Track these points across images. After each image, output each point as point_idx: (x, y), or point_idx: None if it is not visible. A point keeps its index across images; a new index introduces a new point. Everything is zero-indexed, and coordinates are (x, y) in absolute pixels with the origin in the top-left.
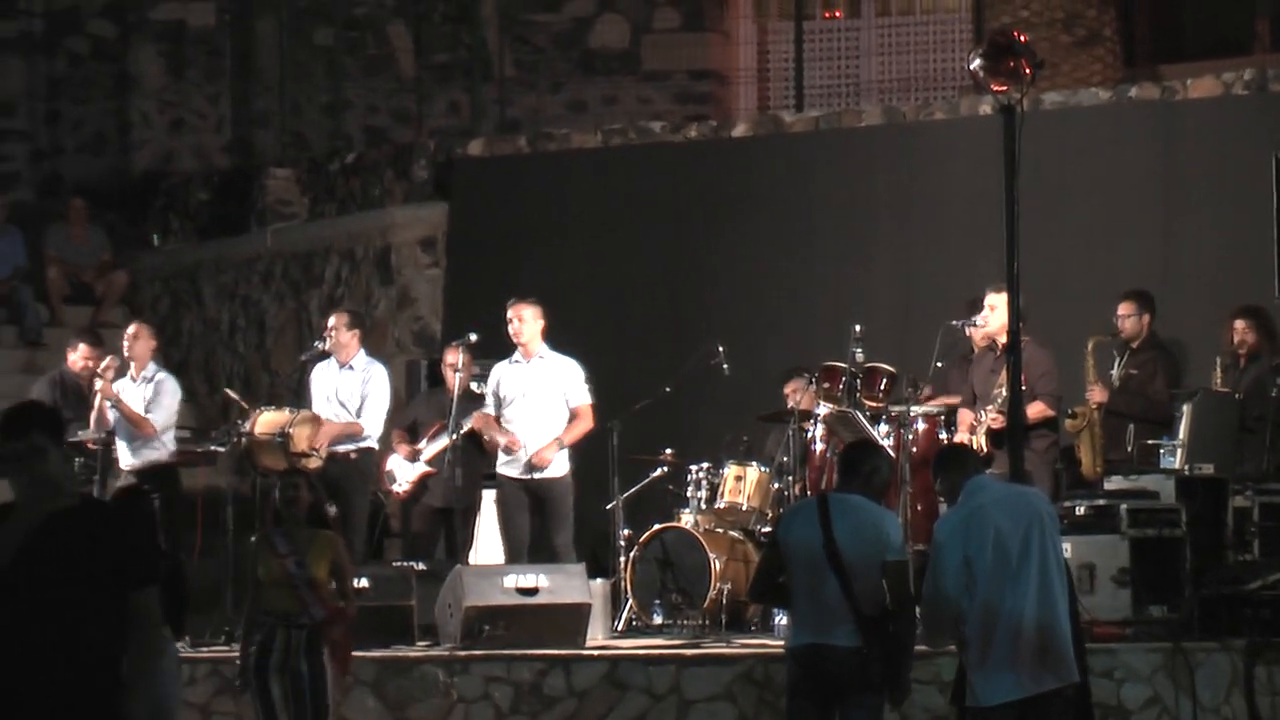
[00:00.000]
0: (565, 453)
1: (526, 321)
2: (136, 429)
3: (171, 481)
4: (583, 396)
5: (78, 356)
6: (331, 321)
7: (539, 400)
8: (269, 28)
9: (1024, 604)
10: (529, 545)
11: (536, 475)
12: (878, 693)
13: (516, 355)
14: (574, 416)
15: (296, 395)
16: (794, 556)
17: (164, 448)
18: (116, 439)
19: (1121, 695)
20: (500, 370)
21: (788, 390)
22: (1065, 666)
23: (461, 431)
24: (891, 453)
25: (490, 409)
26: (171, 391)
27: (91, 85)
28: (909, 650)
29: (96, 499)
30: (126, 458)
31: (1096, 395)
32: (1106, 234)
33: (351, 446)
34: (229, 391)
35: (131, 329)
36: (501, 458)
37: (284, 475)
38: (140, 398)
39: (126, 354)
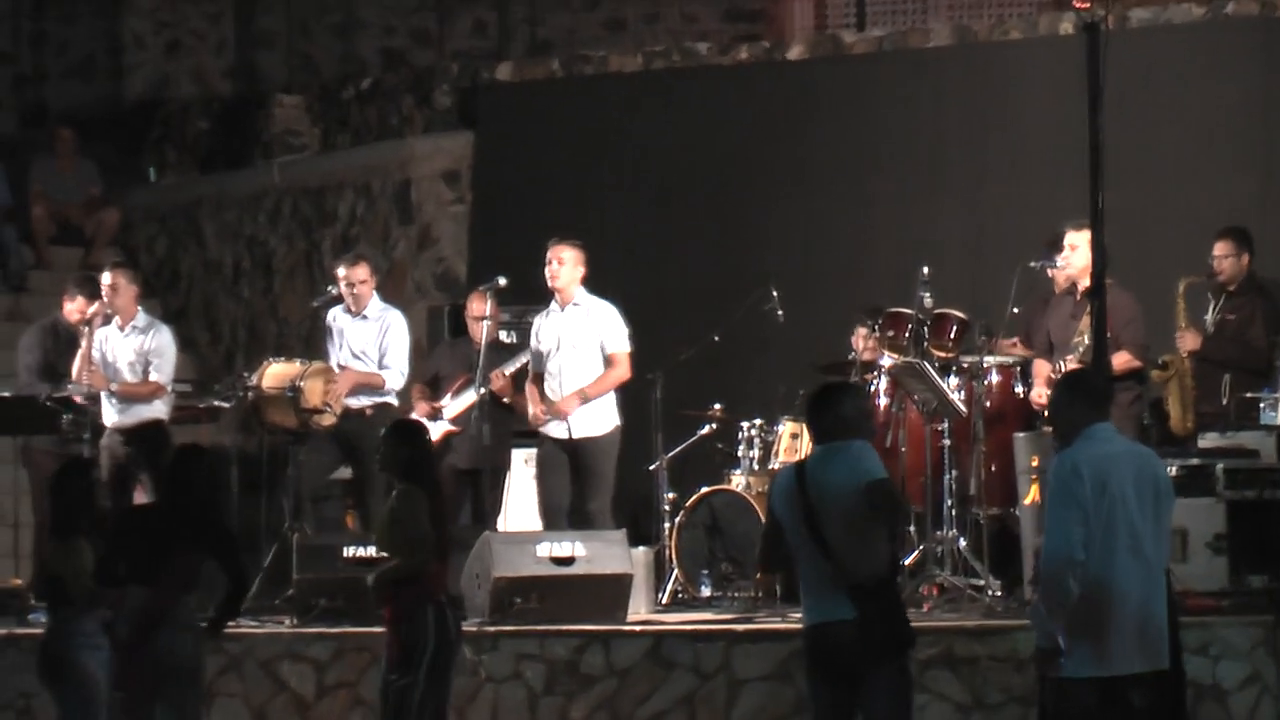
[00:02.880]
0: (611, 408)
1: (566, 264)
2: (145, 397)
3: (162, 442)
4: (619, 343)
5: (74, 308)
6: (346, 272)
7: (578, 351)
8: None
9: (1134, 577)
10: (567, 510)
11: (577, 434)
12: (892, 663)
13: (552, 304)
14: (608, 364)
15: (307, 345)
16: (788, 531)
17: (159, 404)
18: (102, 395)
19: (1217, 673)
20: (538, 322)
21: (854, 339)
22: (1156, 650)
23: (489, 386)
24: (963, 406)
25: (532, 364)
26: (171, 344)
27: (80, 2)
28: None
29: None
30: (113, 415)
31: (1188, 342)
32: (1200, 166)
33: (369, 401)
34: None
35: (107, 278)
36: (541, 422)
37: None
38: (131, 349)
39: (109, 308)
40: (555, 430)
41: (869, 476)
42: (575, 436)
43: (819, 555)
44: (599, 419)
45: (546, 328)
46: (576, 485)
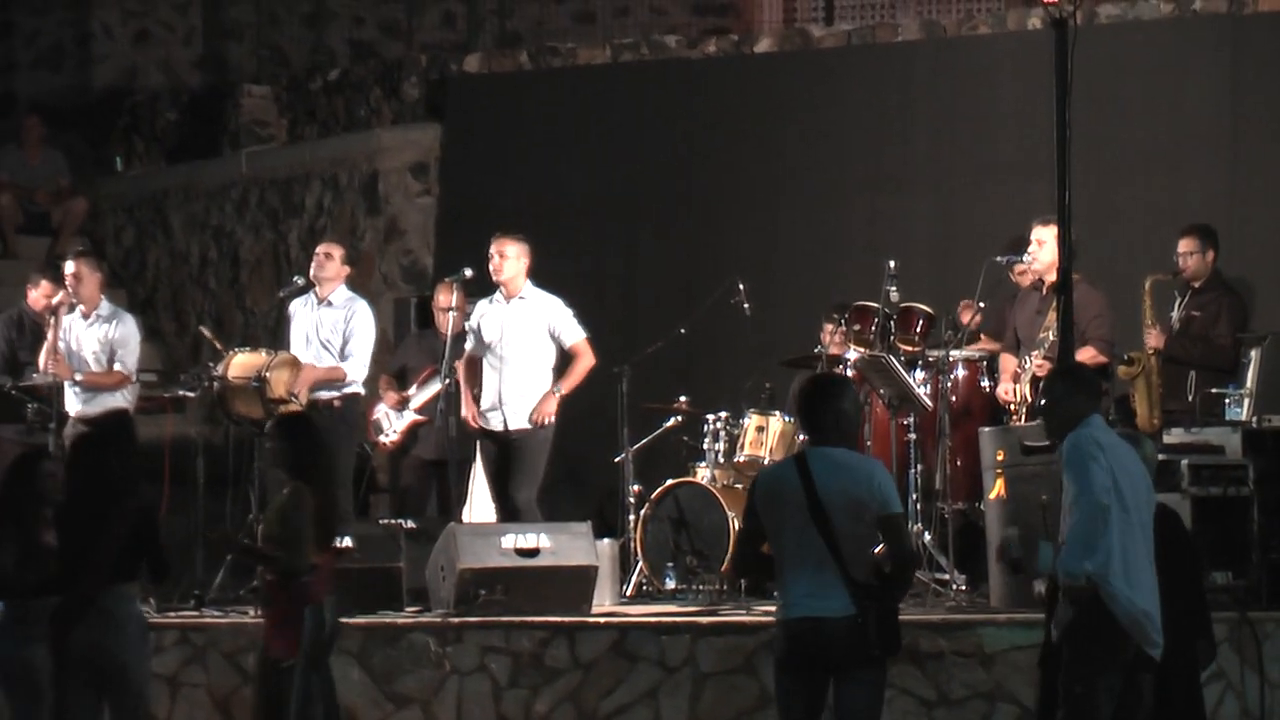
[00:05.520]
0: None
1: (509, 259)
2: (110, 387)
3: (127, 431)
4: (576, 332)
5: (39, 294)
6: (324, 248)
7: (520, 344)
8: None
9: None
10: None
11: (513, 427)
12: (877, 665)
13: (497, 294)
14: (573, 356)
15: (274, 336)
16: (777, 525)
17: (124, 394)
18: (66, 384)
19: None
20: (481, 309)
21: (822, 333)
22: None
23: (455, 377)
24: (929, 401)
25: (470, 347)
26: (136, 334)
27: None
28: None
29: None
30: (77, 405)
31: (1154, 339)
32: (1167, 162)
33: (335, 393)
34: (204, 330)
35: (70, 267)
36: (483, 408)
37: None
38: (96, 339)
39: (73, 298)
40: (492, 423)
41: (887, 508)
42: (511, 429)
43: (825, 552)
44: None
45: (491, 317)
46: (505, 475)
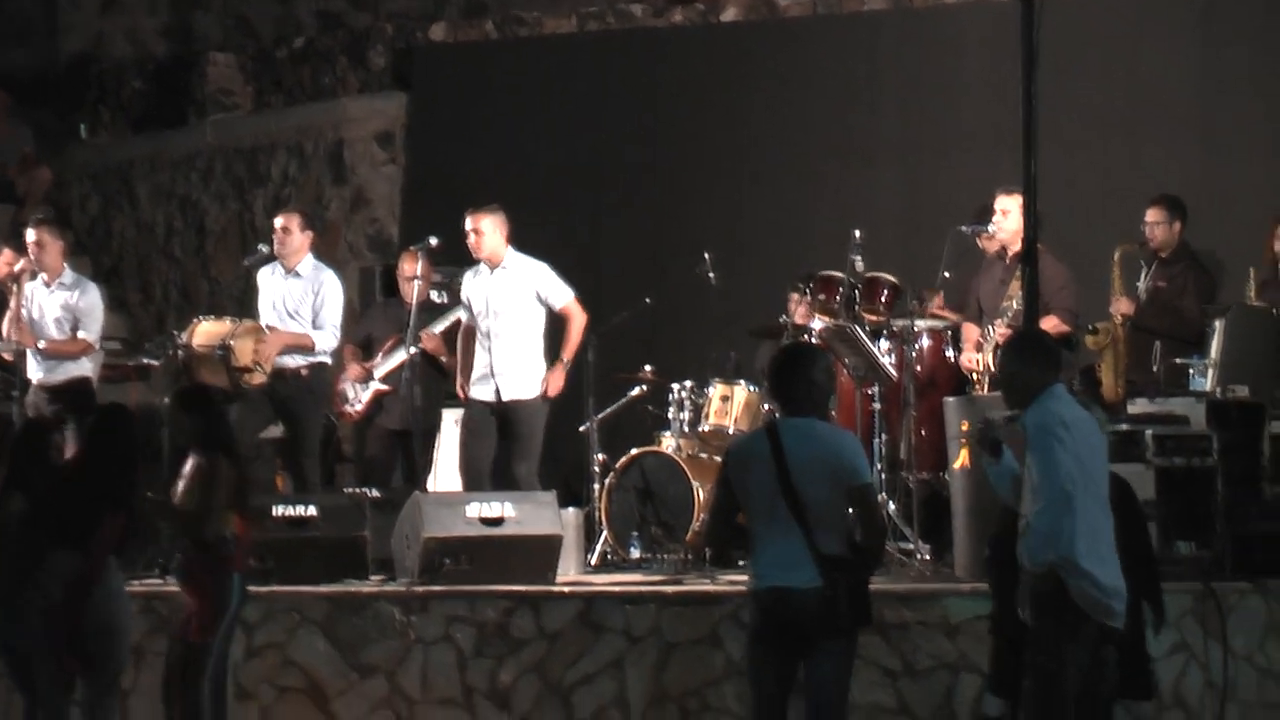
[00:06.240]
0: (540, 370)
1: (486, 234)
2: (72, 355)
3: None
4: (564, 293)
5: (2, 262)
6: (280, 221)
7: (508, 313)
8: None
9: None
10: (490, 473)
11: (506, 397)
12: (846, 636)
13: (481, 265)
14: (564, 319)
15: (240, 304)
16: (748, 495)
17: (87, 362)
18: (28, 352)
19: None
20: (467, 281)
21: (789, 303)
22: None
23: (420, 346)
24: (893, 371)
25: (465, 321)
26: (100, 302)
27: None
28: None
29: None
30: (38, 372)
31: (1122, 307)
32: (1135, 132)
33: (303, 362)
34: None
35: (32, 236)
36: (473, 379)
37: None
38: (59, 306)
39: (35, 265)
40: (483, 393)
41: (856, 479)
42: (505, 399)
43: (793, 523)
44: (528, 382)
45: (475, 290)
46: (504, 447)
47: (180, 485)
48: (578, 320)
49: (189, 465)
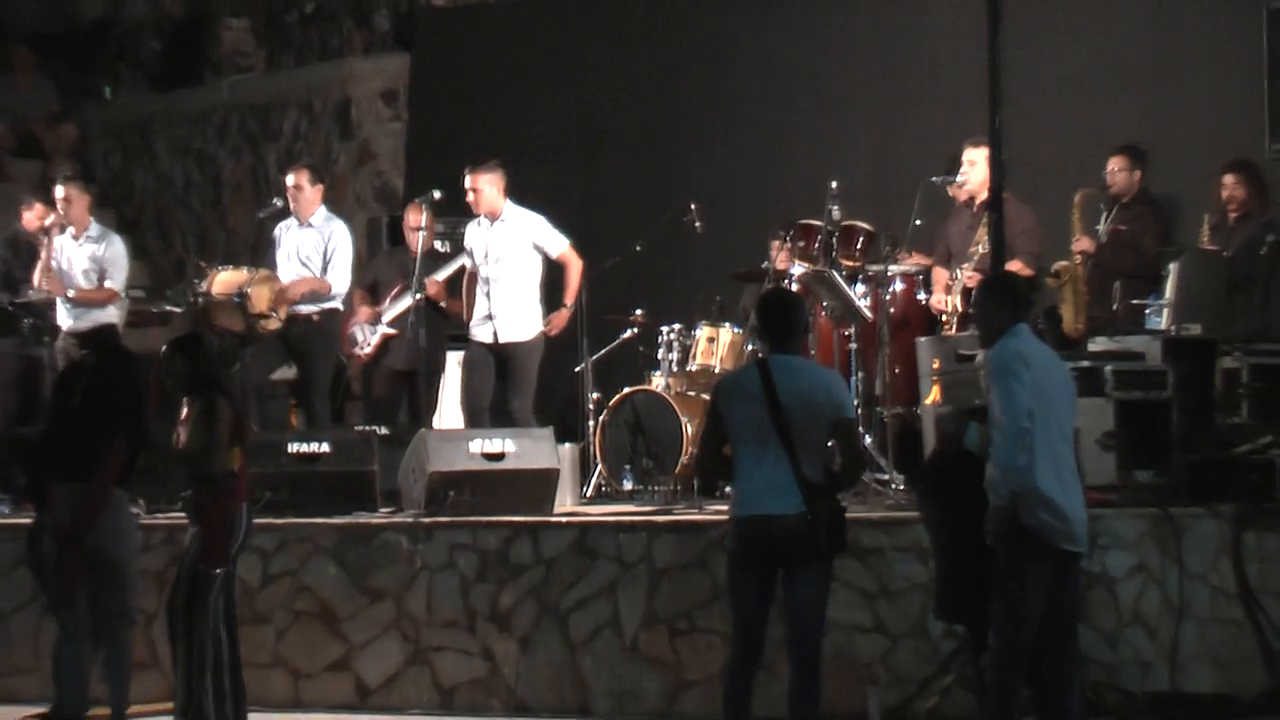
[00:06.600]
0: (536, 315)
1: (484, 191)
2: (99, 303)
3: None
4: (559, 242)
5: (32, 216)
6: (292, 179)
7: (506, 261)
8: None
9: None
10: (489, 408)
11: (503, 338)
12: (824, 560)
13: (482, 216)
14: (562, 265)
15: (254, 253)
16: (737, 426)
17: (113, 310)
18: (58, 300)
19: (1106, 562)
20: (470, 231)
21: (771, 249)
22: (1083, 536)
23: (425, 292)
24: (869, 312)
25: (455, 264)
26: (124, 253)
27: None
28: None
29: None
30: (68, 320)
31: (1082, 244)
32: (1093, 88)
33: (315, 308)
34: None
35: (60, 191)
36: (474, 321)
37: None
38: (86, 256)
39: (64, 219)
40: (482, 334)
41: (841, 412)
42: (502, 340)
43: (781, 453)
44: (524, 324)
45: (476, 239)
46: (501, 385)
47: (180, 429)
48: (575, 265)
49: (186, 409)
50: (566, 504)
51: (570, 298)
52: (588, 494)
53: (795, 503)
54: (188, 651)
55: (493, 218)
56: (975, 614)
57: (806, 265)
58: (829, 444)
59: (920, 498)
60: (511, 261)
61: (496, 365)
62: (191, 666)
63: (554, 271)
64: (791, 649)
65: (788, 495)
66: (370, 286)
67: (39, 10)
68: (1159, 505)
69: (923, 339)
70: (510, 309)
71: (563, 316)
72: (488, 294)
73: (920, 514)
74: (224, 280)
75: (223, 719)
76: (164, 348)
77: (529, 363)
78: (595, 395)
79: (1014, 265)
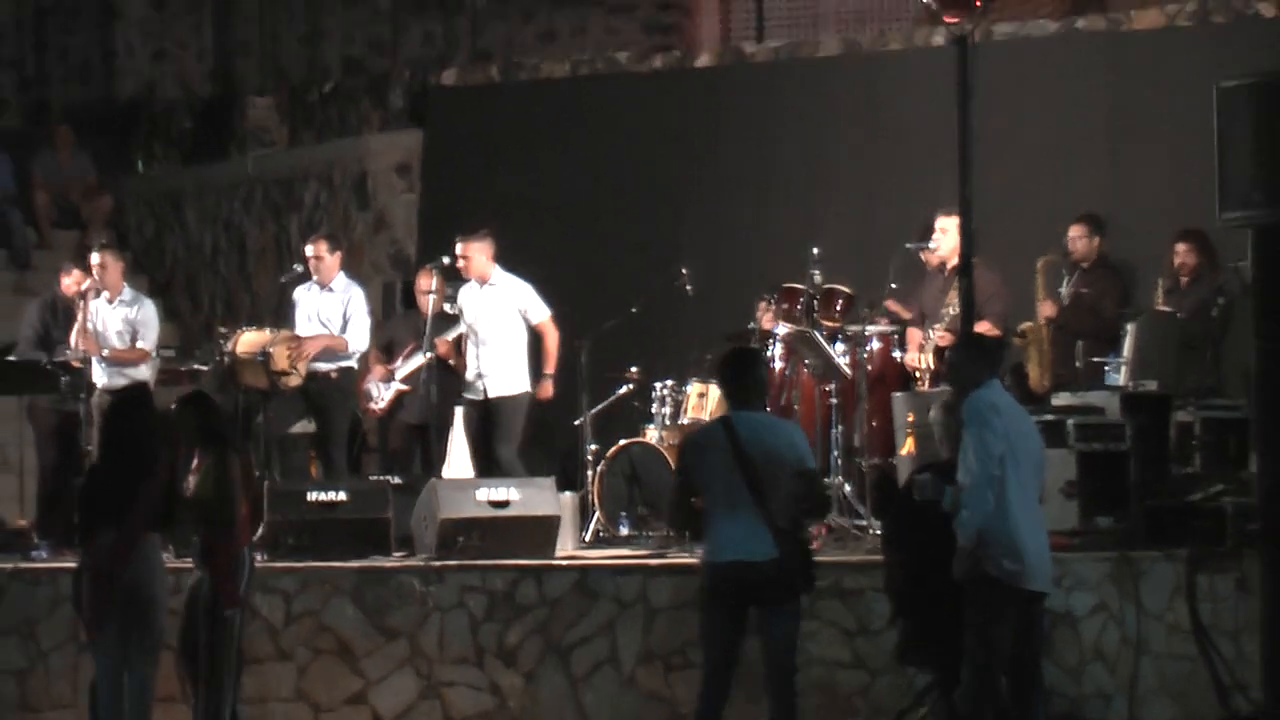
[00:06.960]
0: (522, 372)
1: (472, 259)
2: (132, 362)
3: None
4: (541, 310)
5: (70, 281)
6: (311, 250)
7: (494, 324)
8: None
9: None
10: (478, 457)
11: (492, 394)
12: (796, 597)
13: (473, 281)
14: (541, 334)
15: (277, 316)
16: (706, 479)
17: (145, 368)
18: (94, 360)
19: (1070, 602)
20: (462, 294)
21: (758, 311)
22: (1049, 576)
23: (435, 351)
24: (848, 370)
25: (462, 327)
26: (155, 316)
27: (78, 15)
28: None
29: None
30: (103, 378)
31: (1046, 310)
32: (1056, 160)
33: (333, 365)
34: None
35: (96, 259)
36: (467, 377)
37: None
38: (120, 319)
39: (99, 284)
40: (473, 393)
41: (804, 464)
42: (490, 396)
43: (750, 502)
44: (511, 381)
45: (467, 302)
46: (487, 434)
47: (191, 478)
48: (552, 335)
49: (197, 460)
50: (567, 548)
51: (550, 367)
52: (587, 539)
53: (768, 548)
54: (207, 688)
55: (482, 282)
56: (937, 662)
57: (790, 326)
58: (792, 491)
59: (883, 541)
60: (499, 323)
61: (482, 417)
62: (209, 705)
63: (537, 339)
64: (769, 681)
65: (761, 541)
66: (385, 346)
67: (78, 91)
68: (1119, 549)
69: (898, 394)
70: (498, 367)
71: (546, 387)
72: (478, 355)
73: (884, 557)
74: (248, 340)
75: None
76: (173, 404)
77: (515, 415)
78: (594, 447)
79: (983, 326)
